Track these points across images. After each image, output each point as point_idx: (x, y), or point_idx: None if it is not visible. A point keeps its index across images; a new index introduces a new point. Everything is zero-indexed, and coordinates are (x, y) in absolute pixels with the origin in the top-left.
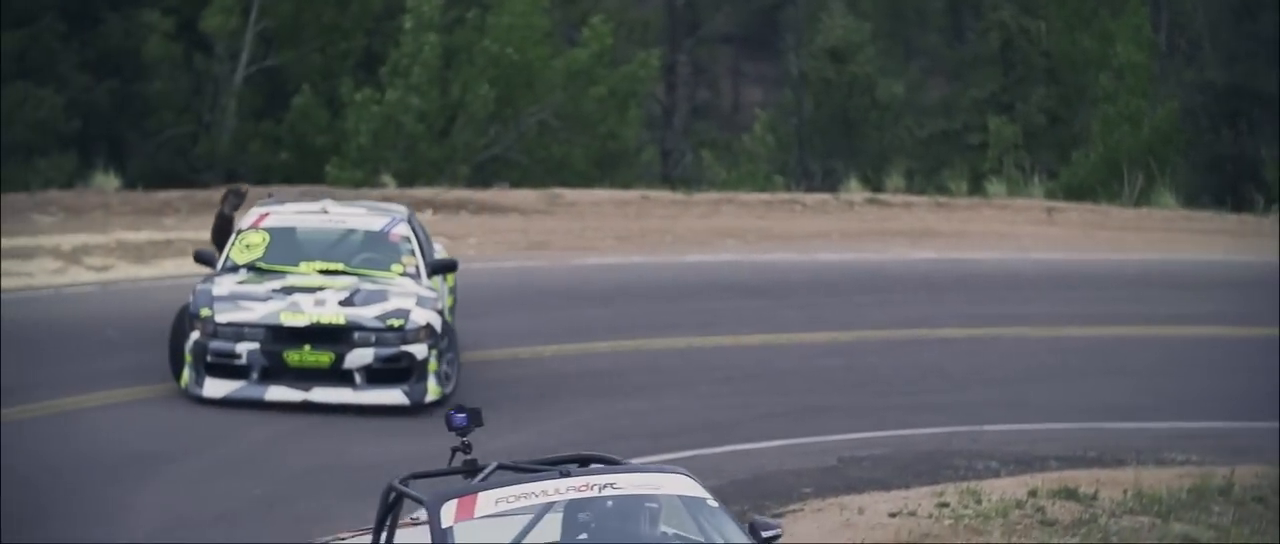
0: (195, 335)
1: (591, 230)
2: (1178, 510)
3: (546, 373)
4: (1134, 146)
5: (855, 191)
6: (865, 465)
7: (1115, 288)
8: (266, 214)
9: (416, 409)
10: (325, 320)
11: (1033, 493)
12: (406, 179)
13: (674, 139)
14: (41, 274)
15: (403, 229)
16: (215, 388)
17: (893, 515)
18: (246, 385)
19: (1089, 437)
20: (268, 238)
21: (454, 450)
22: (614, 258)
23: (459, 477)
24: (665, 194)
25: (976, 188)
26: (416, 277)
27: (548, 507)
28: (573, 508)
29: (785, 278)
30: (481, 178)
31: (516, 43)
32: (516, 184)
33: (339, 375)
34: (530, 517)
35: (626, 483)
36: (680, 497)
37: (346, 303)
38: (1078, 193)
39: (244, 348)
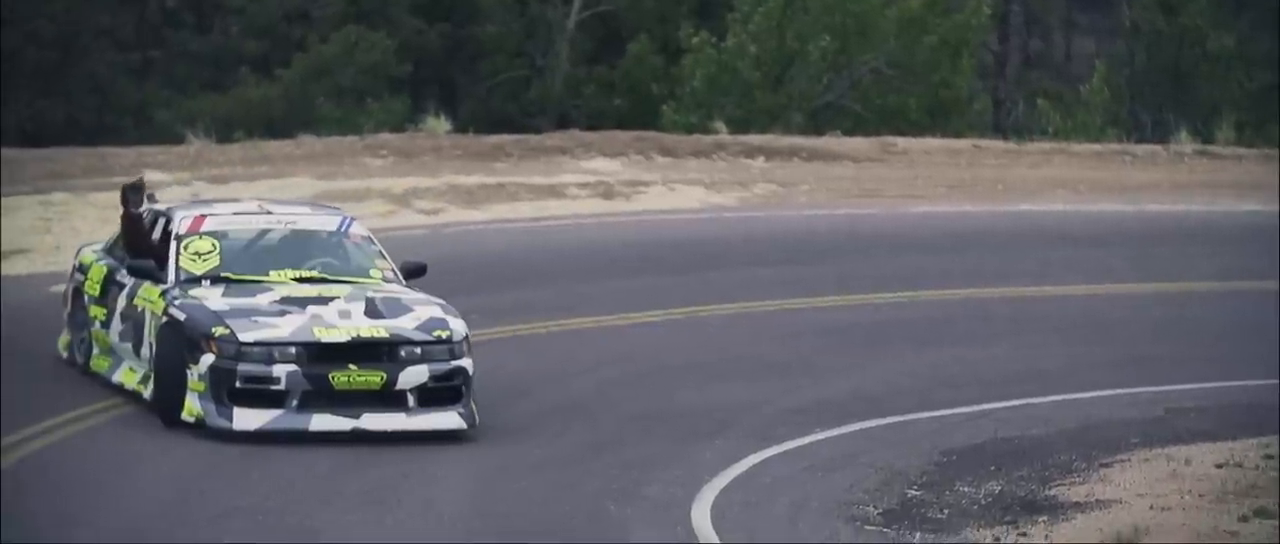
0: (210, 359)
1: (923, 179)
2: None
3: (877, 319)
4: None
5: (1185, 143)
6: (1192, 417)
7: None
8: (203, 217)
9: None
10: (366, 334)
11: None
12: (739, 126)
13: (1006, 88)
14: (372, 217)
15: (360, 228)
16: (247, 419)
17: (1219, 466)
18: (285, 414)
19: None
20: (217, 244)
21: None
22: (945, 207)
23: None
24: (997, 144)
25: None
26: (397, 281)
27: None
28: None
29: (1115, 228)
30: (815, 125)
31: None
32: (849, 132)
33: (389, 398)
34: None
35: None
36: None
37: (372, 314)
38: None
39: (281, 371)
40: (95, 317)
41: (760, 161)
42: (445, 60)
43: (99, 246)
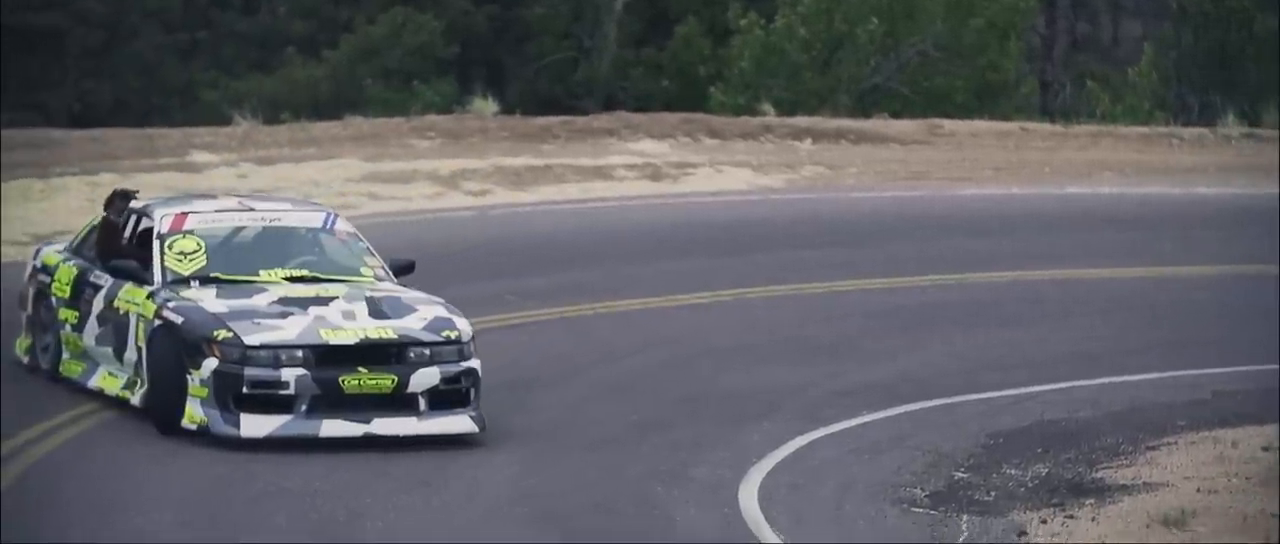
0: (213, 363)
1: (970, 161)
2: None
3: (923, 302)
4: None
5: (1232, 126)
6: (1239, 400)
7: None
8: (185, 215)
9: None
10: (374, 335)
11: None
12: (787, 108)
13: (1053, 71)
14: (419, 198)
15: (345, 224)
16: (255, 426)
17: (1265, 450)
18: (294, 419)
19: None
20: (202, 243)
21: None
22: (992, 189)
23: None
24: (1044, 126)
25: None
26: (388, 278)
27: None
28: None
29: (1162, 211)
30: (862, 108)
31: None
32: (896, 114)
33: (400, 401)
34: None
35: None
36: None
37: (377, 314)
38: None
39: (290, 374)
40: (65, 319)
41: (808, 144)
42: (493, 41)
43: (62, 247)
